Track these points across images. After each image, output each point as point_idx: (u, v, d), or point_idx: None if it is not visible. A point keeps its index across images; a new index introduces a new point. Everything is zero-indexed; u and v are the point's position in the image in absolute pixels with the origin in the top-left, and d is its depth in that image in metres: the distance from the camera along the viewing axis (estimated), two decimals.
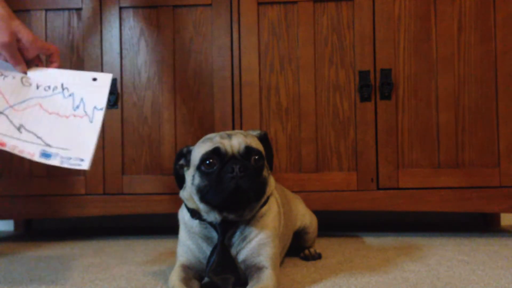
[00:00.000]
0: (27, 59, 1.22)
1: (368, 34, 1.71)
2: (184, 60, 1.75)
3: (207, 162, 1.04)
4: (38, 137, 1.14)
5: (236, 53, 1.74)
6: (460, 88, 1.69)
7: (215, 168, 1.03)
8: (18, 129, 1.14)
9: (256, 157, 1.05)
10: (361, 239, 1.74)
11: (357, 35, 1.71)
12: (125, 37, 1.76)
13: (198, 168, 1.05)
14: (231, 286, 1.05)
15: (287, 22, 1.73)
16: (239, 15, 1.73)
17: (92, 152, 1.14)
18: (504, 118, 1.68)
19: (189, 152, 1.11)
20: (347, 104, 1.72)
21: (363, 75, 1.70)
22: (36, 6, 1.76)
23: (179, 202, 1.17)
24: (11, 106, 1.17)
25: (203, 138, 1.10)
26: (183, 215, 1.15)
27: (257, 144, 1.09)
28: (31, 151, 1.12)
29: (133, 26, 1.76)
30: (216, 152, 1.04)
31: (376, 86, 1.70)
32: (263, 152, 1.09)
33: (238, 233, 1.08)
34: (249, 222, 1.09)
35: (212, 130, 1.70)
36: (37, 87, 1.21)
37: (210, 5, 1.75)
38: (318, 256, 1.42)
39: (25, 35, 1.18)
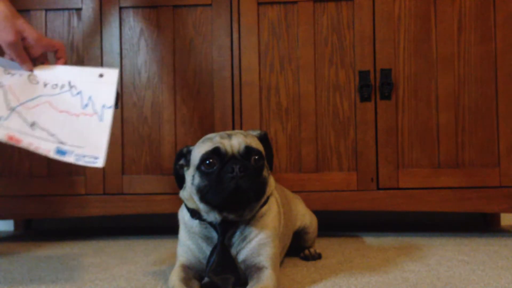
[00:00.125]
0: (33, 57, 1.22)
1: (368, 34, 1.71)
2: (184, 60, 1.75)
3: (207, 162, 1.04)
4: (52, 135, 1.14)
5: (236, 53, 1.74)
6: (460, 88, 1.69)
7: (215, 168, 1.03)
8: (31, 126, 1.14)
9: (256, 157, 1.05)
10: (361, 239, 1.74)
11: (357, 35, 1.71)
12: (125, 37, 1.76)
13: (198, 168, 1.05)
14: (231, 286, 1.05)
15: (287, 22, 1.73)
16: (239, 15, 1.73)
17: (105, 150, 1.14)
18: (504, 118, 1.68)
19: (189, 152, 1.11)
20: (347, 104, 1.72)
21: (363, 75, 1.70)
22: (36, 6, 1.76)
23: (179, 202, 1.17)
24: (21, 104, 1.16)
25: (203, 138, 1.10)
26: (183, 215, 1.15)
27: (257, 144, 1.09)
28: (46, 147, 1.11)
29: (133, 26, 1.76)
30: (216, 152, 1.04)
31: (376, 86, 1.70)
32: (263, 152, 1.09)
33: (238, 233, 1.08)
34: (249, 222, 1.09)
35: (212, 130, 1.70)
36: (45, 85, 1.21)
37: (210, 5, 1.75)
38: (318, 256, 1.42)
39: (30, 33, 1.18)
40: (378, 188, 1.70)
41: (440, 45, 1.69)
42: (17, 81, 1.19)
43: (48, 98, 1.19)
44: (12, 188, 1.75)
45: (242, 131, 1.12)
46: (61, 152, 1.12)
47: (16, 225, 2.14)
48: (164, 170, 1.74)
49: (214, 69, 1.74)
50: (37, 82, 1.21)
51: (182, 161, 1.13)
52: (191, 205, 1.10)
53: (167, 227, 1.66)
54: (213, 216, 1.06)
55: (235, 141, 1.05)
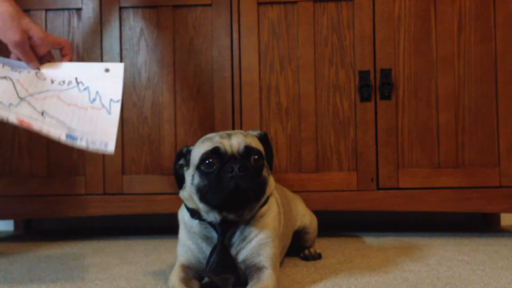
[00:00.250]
0: (39, 55, 1.23)
1: (368, 34, 1.71)
2: (184, 60, 1.75)
3: (207, 161, 1.04)
4: (62, 122, 1.14)
5: (236, 53, 1.74)
6: (460, 88, 1.69)
7: (214, 167, 1.03)
8: (41, 114, 1.14)
9: (256, 157, 1.05)
10: (361, 239, 1.74)
11: (357, 35, 1.71)
12: (125, 37, 1.76)
13: (198, 167, 1.05)
14: (231, 286, 1.05)
15: (287, 22, 1.73)
16: (239, 15, 1.73)
17: (114, 137, 1.15)
18: (504, 118, 1.68)
19: (188, 152, 1.11)
20: (347, 104, 1.72)
21: (363, 75, 1.70)
22: (36, 6, 1.76)
23: (179, 202, 1.17)
24: (31, 95, 1.16)
25: (203, 138, 1.10)
26: (183, 215, 1.15)
27: (256, 144, 1.09)
28: (57, 132, 1.11)
29: (133, 26, 1.76)
30: (215, 152, 1.04)
31: (376, 86, 1.70)
32: (263, 152, 1.09)
33: (238, 233, 1.08)
34: (249, 222, 1.09)
35: (212, 130, 1.70)
36: (52, 82, 1.22)
37: (210, 5, 1.75)
38: (318, 256, 1.42)
39: (36, 32, 1.18)
40: (378, 188, 1.70)
41: (440, 45, 1.69)
42: (25, 77, 1.20)
43: (56, 92, 1.19)
44: (12, 188, 1.75)
45: (242, 131, 1.12)
46: (72, 137, 1.11)
47: (16, 225, 2.14)
48: (164, 170, 1.74)
49: (214, 69, 1.74)
50: (45, 79, 1.21)
51: (181, 161, 1.13)
52: (191, 205, 1.10)
53: (167, 227, 1.66)
54: (212, 216, 1.06)
55: (235, 141, 1.05)
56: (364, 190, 1.70)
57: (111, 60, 1.75)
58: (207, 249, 1.09)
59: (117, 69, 1.25)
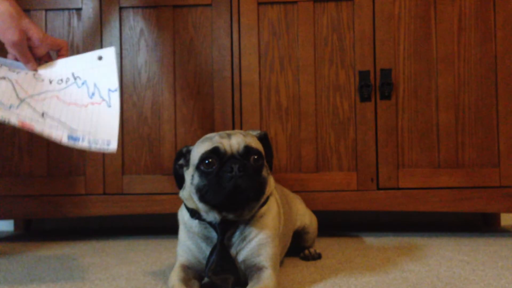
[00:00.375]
0: (37, 56, 1.22)
1: (368, 34, 1.71)
2: (184, 60, 1.75)
3: (206, 161, 1.04)
4: (63, 123, 1.14)
5: (236, 53, 1.74)
6: (460, 88, 1.69)
7: (214, 167, 1.03)
8: (42, 115, 1.13)
9: (255, 157, 1.05)
10: (361, 239, 1.74)
11: (357, 35, 1.71)
12: (125, 37, 1.76)
13: (198, 167, 1.05)
14: (230, 286, 1.06)
15: (287, 22, 1.73)
16: (239, 15, 1.73)
17: (116, 134, 1.15)
18: (504, 118, 1.68)
19: (188, 152, 1.12)
20: (347, 104, 1.72)
21: (363, 75, 1.70)
22: (36, 6, 1.76)
23: (179, 202, 1.17)
24: (30, 96, 1.16)
25: (203, 137, 1.10)
26: (183, 215, 1.15)
27: (256, 144, 1.09)
28: (59, 134, 1.11)
29: (133, 26, 1.76)
30: (215, 152, 1.04)
31: (376, 86, 1.70)
32: (263, 152, 1.09)
33: (237, 233, 1.08)
34: (248, 222, 1.09)
35: (212, 130, 1.70)
36: (50, 82, 1.21)
37: (210, 5, 1.75)
38: (318, 256, 1.42)
39: (35, 33, 1.18)
40: (378, 188, 1.70)
41: (440, 45, 1.69)
42: (23, 78, 1.19)
43: (55, 93, 1.19)
44: (12, 188, 1.75)
45: (241, 131, 1.12)
46: (73, 138, 1.11)
47: (16, 225, 2.14)
48: (164, 170, 1.74)
49: (214, 69, 1.74)
50: (43, 80, 1.21)
51: (181, 161, 1.13)
52: (190, 205, 1.10)
53: (167, 227, 1.66)
54: (212, 216, 1.06)
55: (235, 141, 1.05)
56: (364, 190, 1.70)
57: None
58: (207, 249, 1.09)
59: (109, 55, 1.24)
